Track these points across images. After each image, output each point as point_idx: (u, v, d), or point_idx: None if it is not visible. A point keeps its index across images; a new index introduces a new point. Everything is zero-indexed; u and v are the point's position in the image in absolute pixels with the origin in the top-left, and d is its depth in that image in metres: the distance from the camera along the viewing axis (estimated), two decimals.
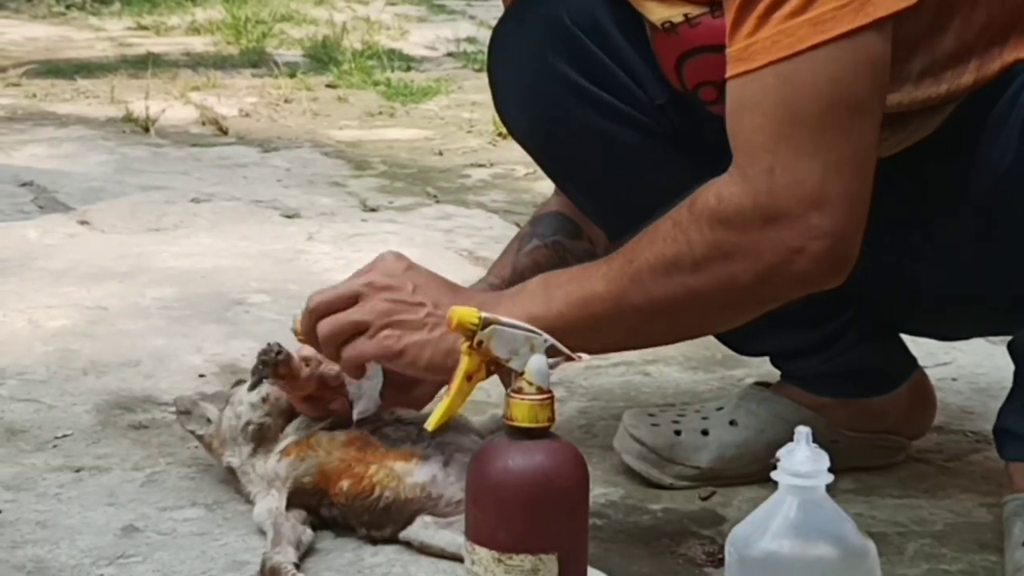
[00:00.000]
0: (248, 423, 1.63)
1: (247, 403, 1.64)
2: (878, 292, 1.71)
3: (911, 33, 1.43)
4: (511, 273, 1.76)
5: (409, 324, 1.49)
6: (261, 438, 1.63)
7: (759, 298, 1.44)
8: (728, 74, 1.40)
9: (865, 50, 1.36)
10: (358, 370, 1.55)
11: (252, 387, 1.60)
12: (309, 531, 1.57)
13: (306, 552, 1.55)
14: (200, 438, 1.71)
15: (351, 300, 1.52)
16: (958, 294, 1.63)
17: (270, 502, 1.58)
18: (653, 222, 1.44)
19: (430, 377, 1.54)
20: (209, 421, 1.70)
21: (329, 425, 1.61)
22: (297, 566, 1.49)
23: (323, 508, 1.59)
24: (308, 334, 1.55)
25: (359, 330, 1.51)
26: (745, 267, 1.39)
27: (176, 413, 1.77)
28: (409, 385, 1.61)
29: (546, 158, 1.75)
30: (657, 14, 1.56)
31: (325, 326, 1.53)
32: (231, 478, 1.67)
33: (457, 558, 1.46)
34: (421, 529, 1.55)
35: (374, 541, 1.57)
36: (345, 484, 1.56)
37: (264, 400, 1.63)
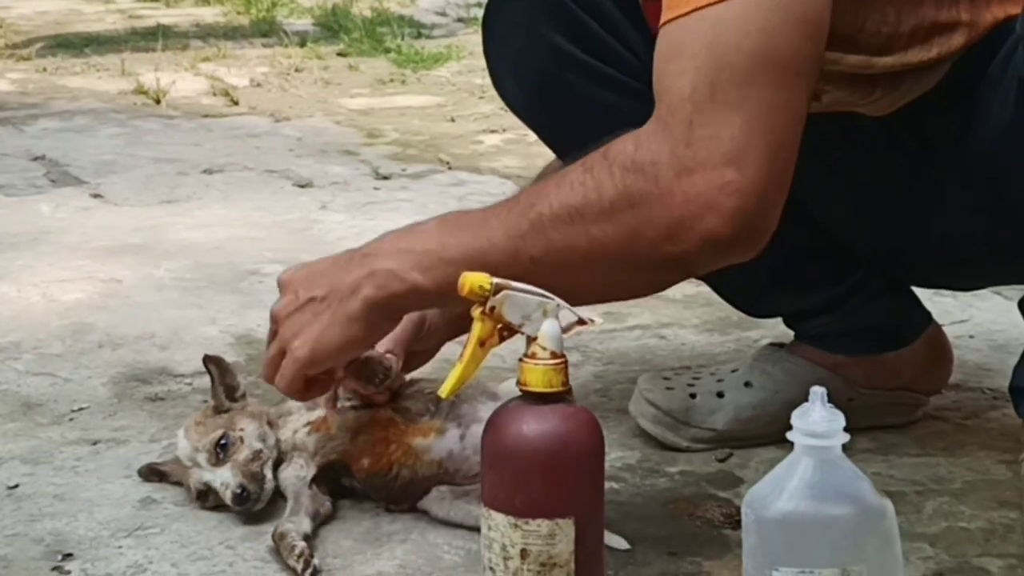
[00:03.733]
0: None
1: (303, 430, 1.62)
2: (888, 247, 1.70)
3: None
4: None
5: (306, 324, 1.44)
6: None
7: (665, 258, 1.33)
8: (661, 20, 1.34)
9: (800, 5, 1.30)
10: (301, 392, 1.49)
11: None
12: (328, 503, 1.58)
13: (325, 521, 1.56)
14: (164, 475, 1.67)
15: (270, 338, 1.49)
16: (966, 247, 1.62)
17: (298, 471, 1.59)
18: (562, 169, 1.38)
19: (359, 353, 1.49)
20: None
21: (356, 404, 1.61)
22: (308, 536, 1.49)
23: (344, 479, 1.60)
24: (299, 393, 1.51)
25: (281, 357, 1.47)
26: (652, 218, 1.31)
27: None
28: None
29: (543, 129, 1.74)
30: None
31: (265, 376, 1.49)
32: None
33: (474, 529, 1.46)
34: (437, 501, 1.55)
35: (391, 511, 1.58)
36: (366, 462, 1.57)
37: (316, 427, 1.62)
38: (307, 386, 1.48)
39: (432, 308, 1.55)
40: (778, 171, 1.31)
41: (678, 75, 1.31)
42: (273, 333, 1.49)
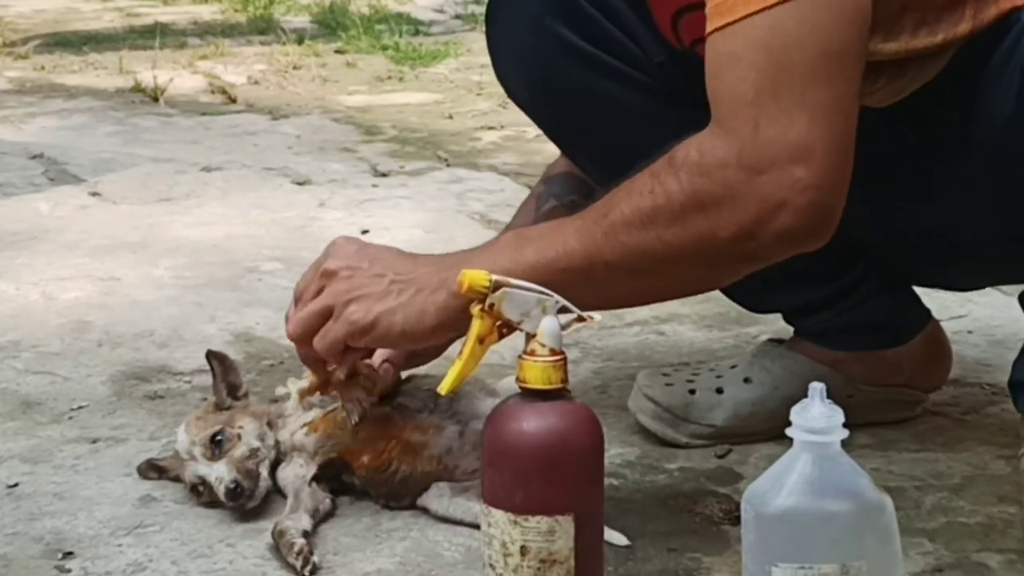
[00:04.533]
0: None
1: (300, 431, 1.62)
2: (889, 242, 1.70)
3: None
4: None
5: (374, 295, 1.45)
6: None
7: (739, 255, 1.39)
8: (708, 29, 1.36)
9: None
10: (337, 356, 1.50)
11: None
12: (328, 500, 1.58)
13: (324, 518, 1.56)
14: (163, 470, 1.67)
15: (313, 294, 1.49)
16: (967, 242, 1.62)
17: (297, 469, 1.59)
18: (629, 178, 1.40)
19: (409, 345, 1.51)
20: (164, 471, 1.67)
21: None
22: (308, 534, 1.49)
23: (344, 476, 1.60)
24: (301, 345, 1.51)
25: (326, 316, 1.47)
26: (725, 220, 1.35)
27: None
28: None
29: (547, 122, 1.74)
30: None
31: (294, 327, 1.49)
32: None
33: (473, 526, 1.47)
34: (436, 498, 1.56)
35: (391, 508, 1.58)
36: (366, 459, 1.57)
37: (314, 427, 1.62)
38: (344, 353, 1.49)
39: None
40: (843, 162, 1.35)
41: (737, 81, 1.34)
42: (317, 291, 1.48)
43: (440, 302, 1.41)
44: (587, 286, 1.39)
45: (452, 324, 1.41)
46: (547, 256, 1.40)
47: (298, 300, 1.52)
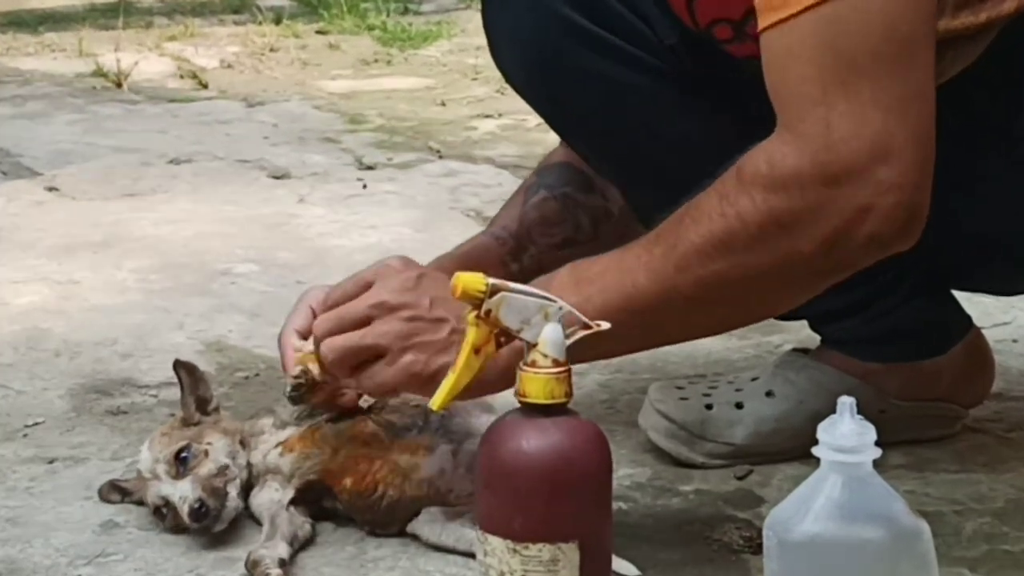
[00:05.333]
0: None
1: (274, 451, 1.62)
2: (927, 239, 1.70)
3: None
4: (518, 227, 1.76)
5: (433, 345, 1.46)
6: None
7: (825, 269, 1.41)
8: (761, 25, 1.37)
9: None
10: (377, 393, 1.53)
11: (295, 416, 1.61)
12: (308, 526, 1.58)
13: (304, 545, 1.56)
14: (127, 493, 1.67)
15: (360, 323, 1.49)
16: (1015, 240, 1.62)
17: (272, 494, 1.59)
18: (692, 198, 1.41)
19: (465, 399, 1.51)
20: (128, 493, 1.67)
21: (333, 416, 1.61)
22: (285, 563, 1.49)
23: (325, 501, 1.60)
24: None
25: (374, 355, 1.48)
26: (807, 236, 1.36)
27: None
28: None
29: (548, 108, 1.74)
30: None
31: (334, 350, 1.49)
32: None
33: (468, 555, 1.47)
34: (427, 524, 1.55)
35: (377, 535, 1.58)
36: (348, 481, 1.57)
37: (289, 447, 1.62)
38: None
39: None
40: (925, 154, 1.37)
41: (801, 80, 1.35)
42: (365, 319, 1.48)
43: (502, 363, 1.37)
44: (663, 324, 1.43)
45: (513, 382, 1.41)
46: (616, 298, 1.41)
47: (329, 305, 1.52)
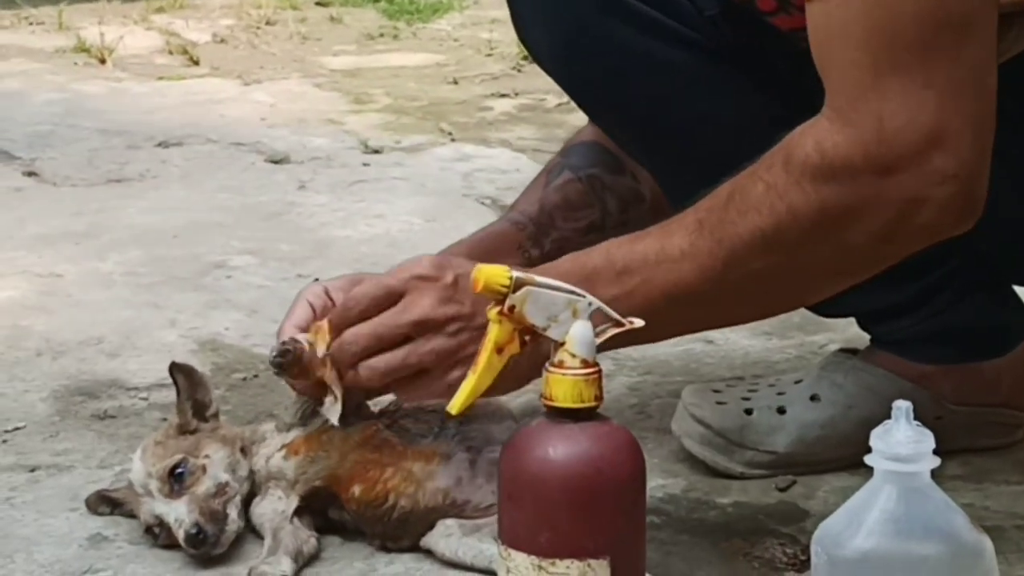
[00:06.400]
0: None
1: (277, 455, 1.62)
2: (986, 230, 1.70)
3: None
4: (538, 211, 1.77)
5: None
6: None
7: (878, 259, 1.45)
8: None
9: None
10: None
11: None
12: (313, 540, 1.58)
13: (309, 561, 1.56)
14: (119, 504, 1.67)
15: (401, 342, 1.50)
16: None
17: (275, 503, 1.59)
18: (732, 179, 1.42)
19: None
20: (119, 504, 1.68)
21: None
22: None
23: (332, 511, 1.60)
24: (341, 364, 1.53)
25: (418, 371, 1.49)
26: (860, 229, 1.39)
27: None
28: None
29: (576, 85, 1.74)
30: None
31: (376, 373, 1.50)
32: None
33: (488, 572, 1.47)
34: (442, 538, 1.55)
35: (388, 550, 1.58)
36: (357, 489, 1.57)
37: (293, 450, 1.62)
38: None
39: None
40: (982, 138, 1.39)
41: (851, 64, 1.36)
42: (404, 337, 1.48)
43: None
44: (707, 316, 1.48)
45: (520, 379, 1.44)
46: (660, 291, 1.44)
47: (357, 314, 1.51)
